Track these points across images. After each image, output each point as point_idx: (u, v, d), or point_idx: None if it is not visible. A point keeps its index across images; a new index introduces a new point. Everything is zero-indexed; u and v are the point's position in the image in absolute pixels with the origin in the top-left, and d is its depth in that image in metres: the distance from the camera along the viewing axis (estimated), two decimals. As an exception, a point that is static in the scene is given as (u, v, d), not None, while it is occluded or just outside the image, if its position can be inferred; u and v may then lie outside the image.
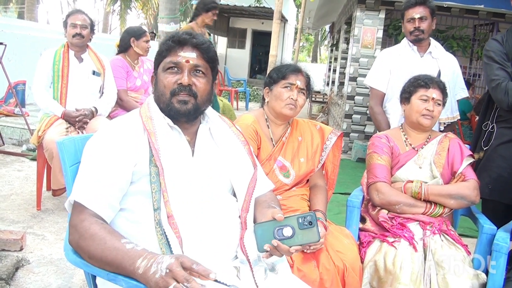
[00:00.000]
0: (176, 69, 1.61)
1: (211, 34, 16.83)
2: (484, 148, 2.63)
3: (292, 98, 2.19)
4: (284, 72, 2.22)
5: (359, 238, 2.29)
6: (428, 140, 2.42)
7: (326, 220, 2.15)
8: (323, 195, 2.28)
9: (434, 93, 2.35)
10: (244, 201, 1.65)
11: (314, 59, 35.86)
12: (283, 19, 17.76)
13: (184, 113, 1.61)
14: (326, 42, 29.69)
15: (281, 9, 4.44)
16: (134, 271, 1.27)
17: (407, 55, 3.27)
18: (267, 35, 19.66)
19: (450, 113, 3.32)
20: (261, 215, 1.64)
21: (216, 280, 1.33)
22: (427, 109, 2.34)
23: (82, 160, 1.56)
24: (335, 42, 12.18)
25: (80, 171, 1.54)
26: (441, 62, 3.33)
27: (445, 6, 7.08)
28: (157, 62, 1.67)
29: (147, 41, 4.32)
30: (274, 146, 2.27)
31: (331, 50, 13.82)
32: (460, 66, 8.93)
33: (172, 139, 1.61)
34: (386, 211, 2.27)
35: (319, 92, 11.60)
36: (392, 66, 3.27)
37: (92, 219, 1.43)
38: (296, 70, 2.24)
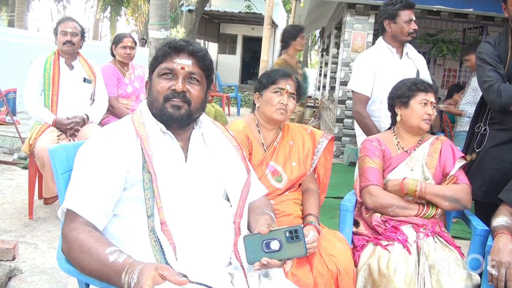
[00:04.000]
0: (171, 75, 1.61)
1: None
2: (477, 150, 2.64)
3: (282, 103, 2.20)
4: (273, 77, 2.24)
5: (352, 242, 2.29)
6: (420, 142, 2.43)
7: (319, 224, 2.15)
8: (315, 199, 2.28)
9: (432, 97, 2.38)
10: (238, 206, 1.65)
11: (305, 64, 35.95)
12: (274, 25, 17.81)
13: (177, 118, 1.60)
14: (316, 47, 29.77)
15: (271, 14, 4.46)
16: (123, 286, 1.26)
17: (388, 57, 3.30)
18: (258, 40, 19.74)
19: None
20: (255, 221, 1.65)
21: (208, 286, 1.33)
22: (428, 113, 2.35)
23: (74, 168, 1.56)
24: (325, 47, 12.23)
25: (72, 178, 1.53)
26: (417, 62, 3.40)
27: (434, 10, 7.14)
28: (152, 68, 1.67)
29: (124, 47, 4.30)
30: (265, 151, 2.28)
31: (322, 55, 13.86)
32: (450, 70, 8.97)
33: (165, 145, 1.61)
34: (379, 215, 2.28)
35: (310, 96, 11.63)
36: (375, 69, 3.28)
37: (82, 228, 1.42)
38: (285, 75, 2.26)
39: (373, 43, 7.12)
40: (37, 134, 3.54)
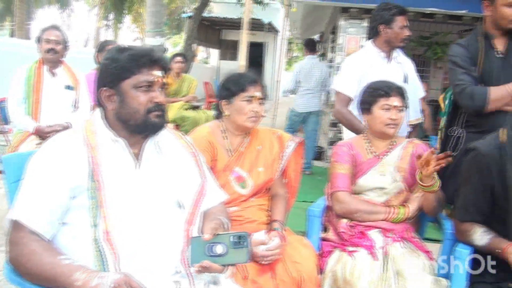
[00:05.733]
0: (147, 87, 1.60)
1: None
2: (453, 154, 2.61)
3: (254, 111, 2.17)
4: (242, 84, 2.17)
5: (321, 247, 2.26)
6: (392, 147, 2.39)
7: (284, 230, 2.13)
8: (282, 204, 2.26)
9: (395, 101, 2.33)
10: (190, 213, 1.64)
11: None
12: (273, 30, 17.83)
13: (161, 125, 1.63)
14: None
15: (249, 20, 4.45)
16: (71, 283, 1.32)
17: (376, 61, 3.28)
18: (259, 46, 19.79)
19: (419, 113, 3.40)
20: (205, 228, 1.64)
21: None
22: (391, 118, 2.31)
23: (24, 177, 1.55)
24: (323, 52, 12.20)
25: (21, 188, 1.53)
26: (405, 66, 3.38)
27: (428, 12, 7.11)
28: (119, 78, 1.59)
29: None
30: (231, 156, 2.24)
31: (320, 60, 13.82)
32: (445, 72, 8.92)
33: (115, 153, 1.59)
34: (347, 220, 2.25)
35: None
36: (362, 72, 3.26)
37: (31, 237, 1.44)
38: (254, 81, 2.19)
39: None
40: (18, 142, 3.54)
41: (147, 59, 1.59)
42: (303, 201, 3.44)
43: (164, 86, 1.63)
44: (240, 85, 2.17)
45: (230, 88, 2.20)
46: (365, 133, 2.47)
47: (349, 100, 3.26)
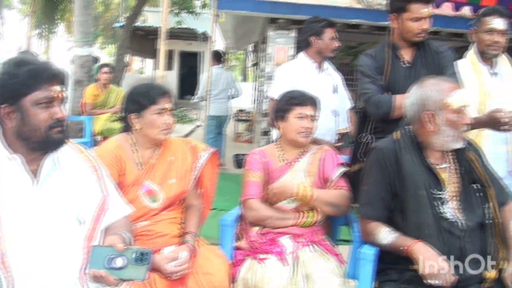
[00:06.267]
0: (47, 103, 1.55)
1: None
2: (364, 160, 2.72)
3: (166, 123, 2.16)
4: (152, 97, 2.14)
5: (234, 256, 2.28)
6: (302, 153, 2.47)
7: (196, 242, 2.14)
8: (196, 216, 2.27)
9: (309, 110, 2.42)
10: (89, 229, 1.62)
11: (245, 78, 36.20)
12: (206, 39, 17.80)
13: (62, 141, 1.60)
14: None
15: (166, 30, 4.44)
16: None
17: (308, 71, 3.39)
18: (195, 55, 19.72)
19: (346, 123, 3.63)
20: (106, 243, 1.63)
21: None
22: (305, 127, 2.39)
23: None
24: (255, 62, 12.35)
25: None
26: (334, 78, 3.55)
27: (353, 23, 7.39)
28: (19, 94, 1.52)
29: None
30: (141, 170, 2.21)
31: (254, 70, 13.99)
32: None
33: (11, 171, 1.54)
34: (258, 228, 2.30)
35: (243, 110, 11.69)
36: (295, 81, 3.34)
37: None
38: (163, 93, 2.17)
39: (295, 56, 7.29)
40: None
41: (46, 74, 1.55)
42: (222, 210, 3.48)
43: (64, 100, 1.60)
44: (150, 97, 2.14)
45: (139, 101, 2.15)
46: (278, 141, 2.54)
47: None
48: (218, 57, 7.68)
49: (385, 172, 2.07)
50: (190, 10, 12.62)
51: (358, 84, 2.72)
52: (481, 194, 2.06)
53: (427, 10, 2.52)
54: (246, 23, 8.73)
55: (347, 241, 2.77)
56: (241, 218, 2.43)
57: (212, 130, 7.31)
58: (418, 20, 2.52)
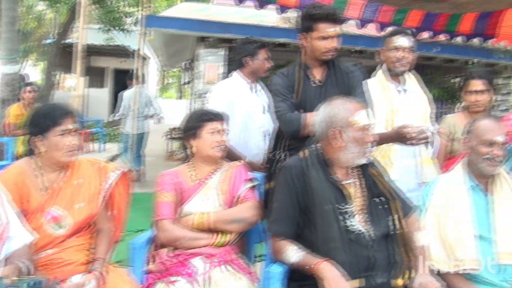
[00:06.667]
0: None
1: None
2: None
3: (71, 144, 2.10)
4: (55, 118, 2.08)
5: (145, 280, 2.23)
6: (214, 171, 2.48)
7: (105, 267, 2.09)
8: (105, 240, 2.21)
9: (220, 125, 2.46)
10: None
11: (182, 96, 36.05)
12: (140, 56, 17.59)
13: None
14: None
15: (83, 48, 4.35)
16: None
17: (243, 91, 3.41)
18: (128, 73, 19.35)
19: None
20: (3, 274, 1.55)
21: None
22: (218, 141, 2.44)
23: None
24: (188, 79, 12.36)
25: None
26: (264, 98, 3.56)
27: (281, 42, 7.56)
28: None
29: None
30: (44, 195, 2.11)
31: (189, 87, 13.98)
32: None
33: None
34: (167, 250, 2.27)
35: (176, 128, 11.58)
36: (231, 100, 3.35)
37: None
38: (66, 113, 2.12)
39: (225, 74, 7.36)
40: None
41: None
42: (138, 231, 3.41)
43: None
44: (53, 119, 2.08)
45: (42, 123, 2.08)
46: (191, 161, 2.53)
47: None
48: (132, 77, 7.94)
49: (293, 189, 2.12)
50: (121, 27, 12.41)
51: (271, 102, 2.76)
52: (386, 206, 2.16)
53: (333, 29, 2.61)
54: (177, 41, 8.73)
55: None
56: (153, 240, 2.39)
57: (126, 147, 7.58)
58: (325, 39, 2.61)
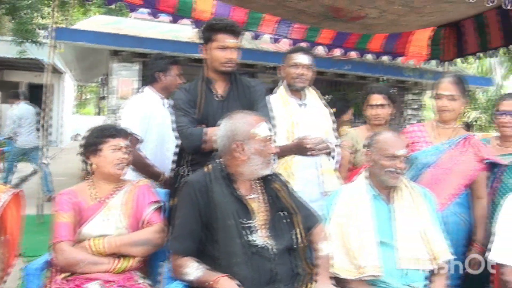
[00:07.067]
0: None
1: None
2: None
3: None
4: None
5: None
6: (116, 189, 2.38)
7: None
8: None
9: (123, 141, 2.39)
10: None
11: (100, 112, 35.00)
12: (57, 71, 16.89)
13: None
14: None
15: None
16: None
17: (156, 106, 3.34)
18: (43, 88, 18.49)
19: None
20: None
21: None
22: (120, 158, 2.35)
23: None
24: (104, 95, 12.01)
25: None
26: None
27: (196, 58, 7.52)
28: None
29: None
30: None
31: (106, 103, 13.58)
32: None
33: None
34: (64, 275, 2.13)
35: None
36: (144, 115, 3.25)
37: None
38: None
39: (139, 89, 7.18)
40: None
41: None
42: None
43: None
44: None
45: None
46: (90, 178, 2.41)
47: (137, 141, 3.17)
48: (17, 95, 8.21)
49: (196, 204, 2.08)
50: (34, 40, 11.80)
51: (172, 117, 2.72)
52: (288, 220, 2.18)
53: (233, 41, 2.63)
54: (90, 54, 8.45)
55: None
56: (51, 264, 2.24)
57: (15, 160, 7.86)
58: (224, 49, 2.62)
